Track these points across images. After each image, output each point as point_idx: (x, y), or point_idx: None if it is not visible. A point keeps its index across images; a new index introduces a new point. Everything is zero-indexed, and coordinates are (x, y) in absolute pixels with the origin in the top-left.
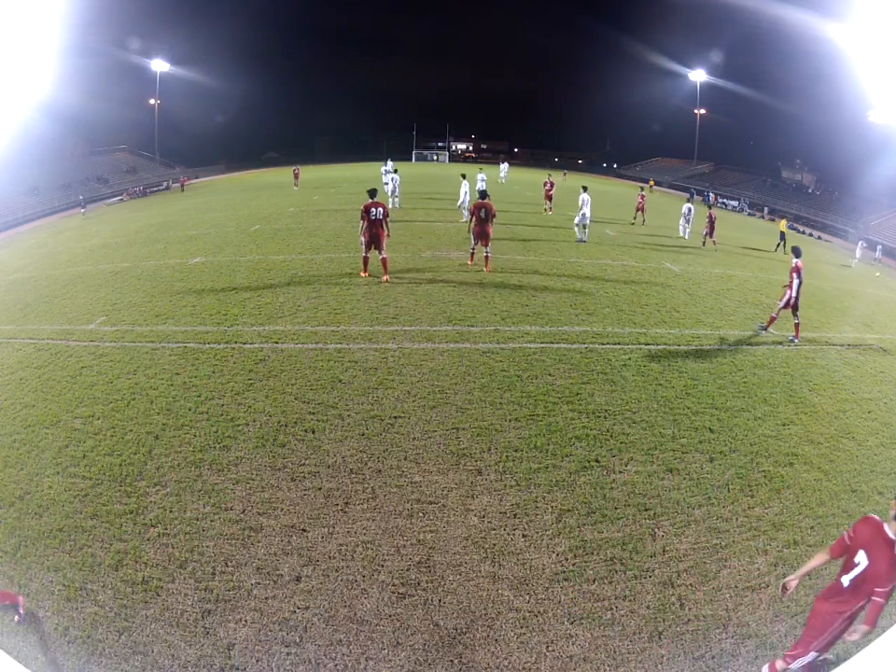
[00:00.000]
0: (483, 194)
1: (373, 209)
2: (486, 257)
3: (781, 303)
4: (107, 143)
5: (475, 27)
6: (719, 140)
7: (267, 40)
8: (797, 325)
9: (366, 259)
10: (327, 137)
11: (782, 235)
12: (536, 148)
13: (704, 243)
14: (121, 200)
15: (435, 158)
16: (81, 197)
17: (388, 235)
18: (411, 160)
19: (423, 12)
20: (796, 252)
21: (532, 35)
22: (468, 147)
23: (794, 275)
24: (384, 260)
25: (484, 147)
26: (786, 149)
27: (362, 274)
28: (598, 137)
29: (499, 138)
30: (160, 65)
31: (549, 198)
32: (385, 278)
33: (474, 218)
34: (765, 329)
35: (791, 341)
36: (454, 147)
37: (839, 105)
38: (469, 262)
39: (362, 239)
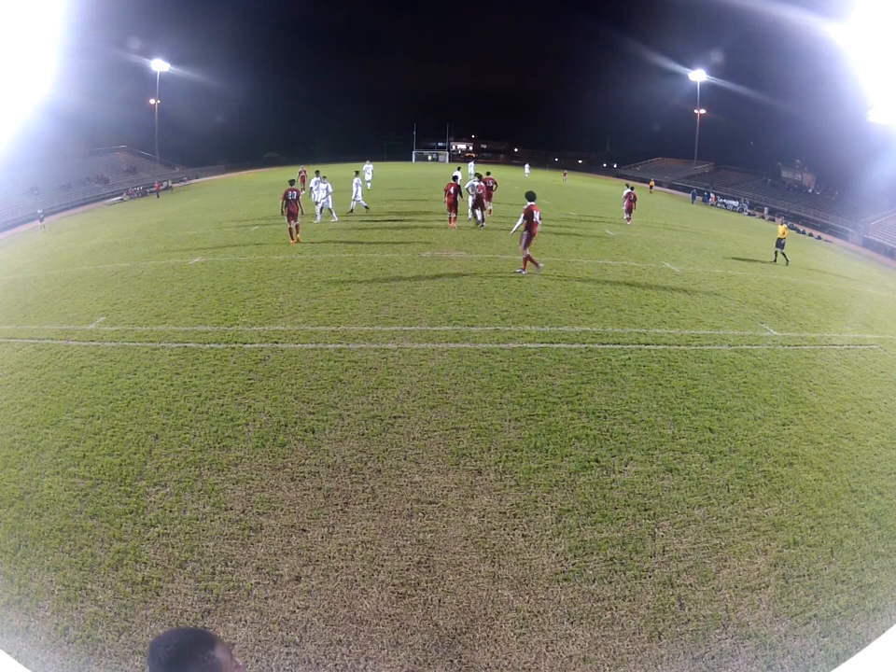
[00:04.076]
0: (455, 178)
1: (290, 193)
2: (455, 218)
3: (522, 245)
4: (107, 143)
5: (475, 27)
6: (719, 140)
7: (267, 40)
8: (526, 259)
9: (290, 230)
10: (327, 137)
11: (780, 242)
12: (536, 148)
13: (628, 219)
14: (121, 200)
15: (435, 157)
16: (40, 211)
17: (303, 213)
18: (411, 160)
19: (423, 12)
20: (530, 196)
21: (532, 35)
22: (468, 147)
23: (527, 218)
24: (297, 227)
25: (484, 146)
26: (786, 149)
27: (291, 242)
28: (598, 137)
29: (499, 138)
30: (160, 65)
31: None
32: (297, 237)
33: (447, 194)
34: (522, 271)
35: (519, 273)
36: (454, 147)
37: (839, 105)
38: (452, 224)
39: (284, 214)
